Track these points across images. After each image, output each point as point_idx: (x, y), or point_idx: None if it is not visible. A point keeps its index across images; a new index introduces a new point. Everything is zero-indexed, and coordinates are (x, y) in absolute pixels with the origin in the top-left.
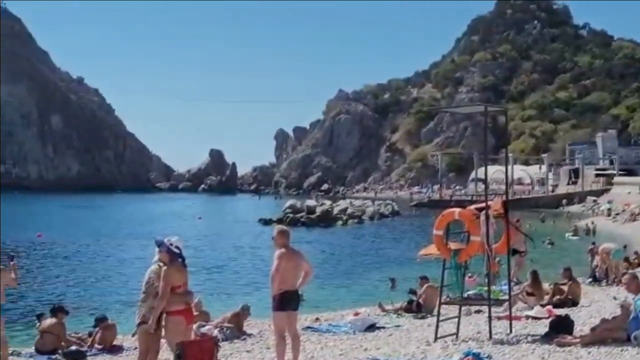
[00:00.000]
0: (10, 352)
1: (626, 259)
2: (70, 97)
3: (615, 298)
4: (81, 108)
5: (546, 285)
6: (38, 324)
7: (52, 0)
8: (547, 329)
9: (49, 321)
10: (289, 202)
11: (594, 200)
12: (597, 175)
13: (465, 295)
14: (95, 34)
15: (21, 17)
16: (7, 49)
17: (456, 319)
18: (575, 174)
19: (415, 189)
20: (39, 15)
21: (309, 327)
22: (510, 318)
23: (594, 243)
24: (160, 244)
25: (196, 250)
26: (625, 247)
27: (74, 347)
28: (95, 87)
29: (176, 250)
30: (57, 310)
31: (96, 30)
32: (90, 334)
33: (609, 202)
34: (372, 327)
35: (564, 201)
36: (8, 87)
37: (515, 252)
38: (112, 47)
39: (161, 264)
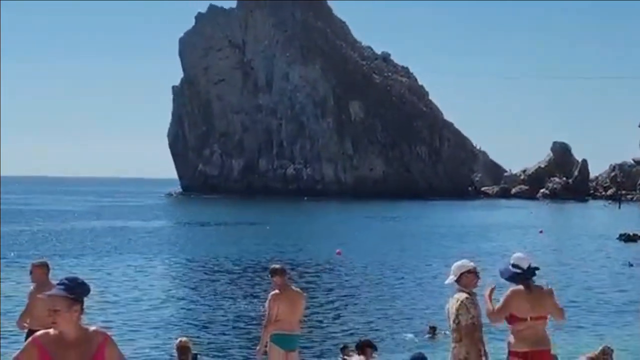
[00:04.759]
0: None
1: None
2: (374, 78)
3: None
4: (387, 92)
5: None
6: (341, 358)
7: None
8: None
9: (355, 358)
10: None
11: None
12: None
13: None
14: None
15: None
16: (297, 20)
17: None
18: None
19: None
20: None
21: None
22: None
23: None
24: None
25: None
26: None
27: None
28: (404, 64)
29: (516, 270)
30: (365, 345)
31: None
32: None
33: None
34: None
35: None
36: (298, 69)
37: None
38: (420, 15)
39: (461, 295)
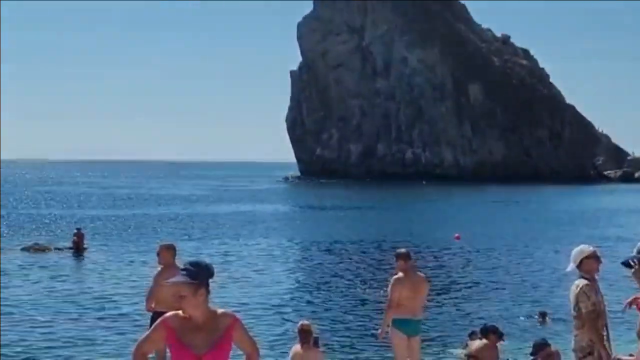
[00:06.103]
0: None
1: None
2: (494, 60)
3: None
4: (507, 75)
5: None
6: (465, 343)
7: None
8: None
9: (477, 343)
10: None
11: None
12: None
13: None
14: None
15: None
16: (416, 4)
17: None
18: None
19: None
20: None
21: None
22: None
23: None
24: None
25: None
26: None
27: None
28: (524, 47)
29: None
30: (489, 331)
31: None
32: None
33: None
34: None
35: None
36: (417, 52)
37: None
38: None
39: (581, 281)
